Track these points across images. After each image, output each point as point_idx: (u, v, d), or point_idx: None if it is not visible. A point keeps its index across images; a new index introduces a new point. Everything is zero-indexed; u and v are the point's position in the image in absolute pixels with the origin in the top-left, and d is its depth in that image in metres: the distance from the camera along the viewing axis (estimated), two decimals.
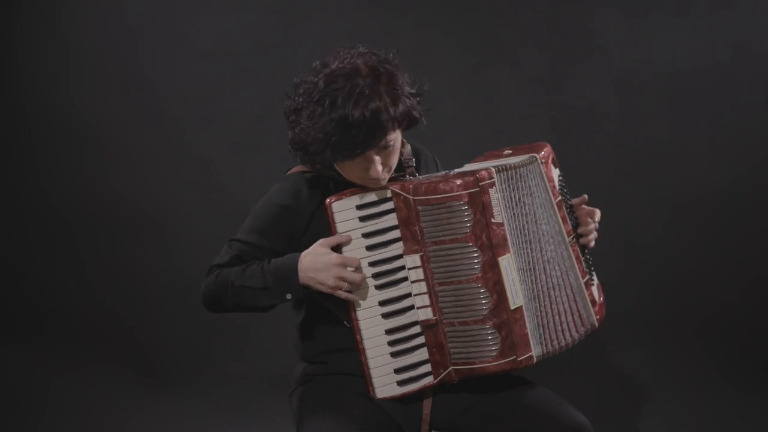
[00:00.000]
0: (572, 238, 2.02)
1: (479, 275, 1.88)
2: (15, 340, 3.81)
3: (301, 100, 1.88)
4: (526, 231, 1.95)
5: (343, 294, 1.89)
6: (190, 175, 3.86)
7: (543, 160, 1.98)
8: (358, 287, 1.90)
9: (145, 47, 3.86)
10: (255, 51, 3.82)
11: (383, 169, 1.89)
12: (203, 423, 3.39)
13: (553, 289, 1.98)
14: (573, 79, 3.80)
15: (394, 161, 1.93)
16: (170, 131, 3.87)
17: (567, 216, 2.02)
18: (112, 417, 3.42)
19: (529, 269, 1.95)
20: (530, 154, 1.99)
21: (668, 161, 3.77)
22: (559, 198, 2.01)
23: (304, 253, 1.90)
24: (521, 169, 1.95)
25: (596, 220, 2.10)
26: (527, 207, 1.96)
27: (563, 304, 2.00)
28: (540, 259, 1.97)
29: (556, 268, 1.99)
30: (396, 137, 1.89)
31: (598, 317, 2.07)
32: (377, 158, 1.87)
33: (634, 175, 3.79)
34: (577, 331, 2.02)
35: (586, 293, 2.04)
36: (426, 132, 1.99)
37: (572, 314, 2.01)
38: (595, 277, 2.11)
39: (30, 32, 3.88)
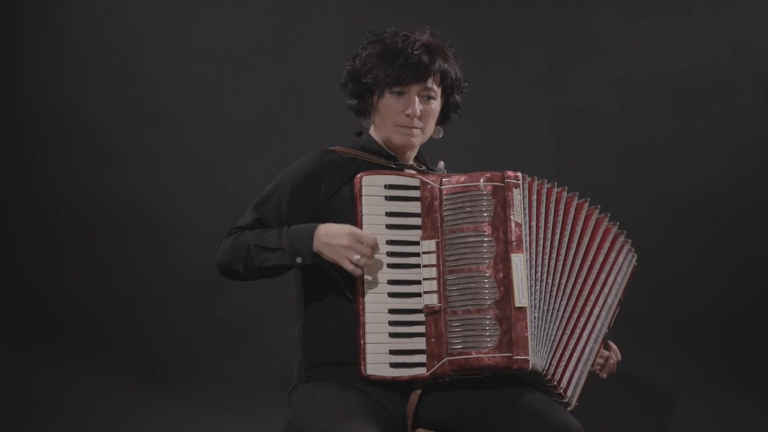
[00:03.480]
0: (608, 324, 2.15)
1: (490, 264, 1.91)
2: (15, 340, 3.81)
3: (365, 43, 2.11)
4: (555, 253, 2.01)
5: (349, 266, 1.91)
6: (190, 175, 3.86)
7: (634, 262, 2.19)
8: (366, 265, 1.92)
9: (145, 47, 3.86)
10: (255, 51, 3.82)
11: (418, 119, 2.04)
12: (203, 423, 3.39)
13: (573, 327, 2.03)
14: (573, 79, 3.80)
15: (430, 124, 2.08)
16: (170, 131, 3.87)
17: (616, 310, 2.16)
18: (112, 417, 3.42)
19: (545, 282, 1.98)
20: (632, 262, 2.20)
21: (668, 161, 3.78)
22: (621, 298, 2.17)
23: (323, 224, 1.95)
24: (562, 195, 2.04)
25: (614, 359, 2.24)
26: (607, 273, 2.11)
27: (576, 348, 2.04)
28: (566, 292, 2.02)
29: (596, 319, 2.09)
30: (436, 96, 2.07)
31: (576, 397, 2.08)
32: (417, 99, 2.03)
33: (634, 175, 3.79)
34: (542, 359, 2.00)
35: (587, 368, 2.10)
36: None
37: (548, 343, 2.00)
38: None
39: (30, 32, 3.88)
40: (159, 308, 3.84)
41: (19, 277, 3.91)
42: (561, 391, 2.02)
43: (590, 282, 2.09)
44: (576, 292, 2.05)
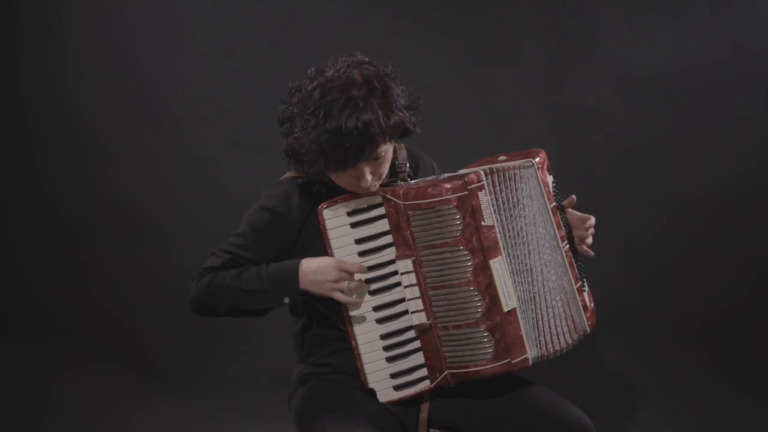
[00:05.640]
0: (565, 244, 2.02)
1: (471, 278, 1.88)
2: (15, 340, 3.81)
3: (295, 110, 1.88)
4: (524, 233, 1.95)
5: (341, 297, 1.90)
6: (190, 175, 3.86)
7: (539, 165, 1.99)
8: (354, 293, 1.91)
9: (145, 47, 3.86)
10: (255, 51, 3.82)
11: (373, 178, 1.91)
12: (203, 423, 3.39)
13: (549, 292, 1.98)
14: (573, 79, 3.80)
15: (385, 170, 1.94)
16: (170, 131, 3.87)
17: (561, 222, 2.03)
18: (112, 417, 3.42)
19: (525, 271, 1.95)
20: (526, 159, 2.00)
21: (668, 161, 3.77)
22: (554, 204, 2.02)
23: (305, 259, 1.92)
24: (516, 171, 1.95)
25: (589, 225, 2.10)
26: (526, 209, 1.96)
27: (558, 308, 1.99)
28: (537, 262, 1.97)
29: (552, 272, 1.99)
30: (387, 148, 1.90)
31: (589, 323, 2.06)
32: (367, 169, 1.88)
33: (634, 175, 3.79)
34: (570, 337, 2.01)
35: (579, 299, 2.03)
36: (425, 132, 2.00)
37: (566, 319, 2.00)
38: (586, 285, 2.11)
39: (30, 32, 3.88)
40: (159, 308, 3.84)
41: (20, 277, 3.91)
42: (577, 340, 2.01)
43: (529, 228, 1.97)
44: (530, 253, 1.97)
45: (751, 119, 3.74)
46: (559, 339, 1.98)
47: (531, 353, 1.92)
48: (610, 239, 3.68)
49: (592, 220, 2.11)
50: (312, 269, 1.90)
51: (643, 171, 3.79)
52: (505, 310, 1.89)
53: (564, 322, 1.99)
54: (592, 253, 2.14)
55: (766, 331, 3.66)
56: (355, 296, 1.92)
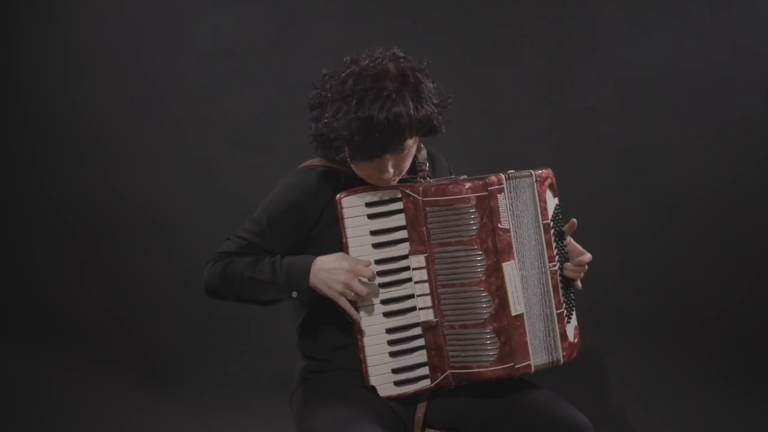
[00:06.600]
0: (553, 265, 1.99)
1: (482, 279, 1.88)
2: (15, 340, 3.81)
3: (329, 95, 1.90)
4: (528, 240, 1.96)
5: (344, 303, 1.90)
6: (190, 175, 3.87)
7: (538, 179, 1.98)
8: (364, 301, 1.91)
9: (145, 47, 3.86)
10: (255, 51, 3.82)
11: (394, 172, 1.91)
12: (203, 423, 3.39)
13: (533, 305, 1.96)
14: (573, 79, 3.80)
15: (407, 165, 1.95)
16: (170, 131, 3.87)
17: (553, 243, 2.00)
18: (112, 417, 3.42)
19: (529, 277, 1.95)
20: (529, 171, 2.00)
21: (668, 161, 3.78)
22: (548, 221, 2.00)
23: (319, 257, 1.92)
24: (516, 180, 1.96)
25: (579, 261, 2.07)
26: (525, 218, 1.96)
27: (538, 324, 1.96)
28: (528, 272, 1.97)
29: (535, 286, 1.97)
30: (413, 143, 1.91)
31: (565, 354, 2.00)
32: (391, 162, 1.89)
33: (634, 175, 3.79)
34: (541, 356, 1.97)
35: (557, 325, 1.98)
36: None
37: (541, 338, 1.97)
38: (573, 318, 2.06)
39: (30, 32, 3.88)
40: (159, 308, 3.84)
41: (20, 277, 3.91)
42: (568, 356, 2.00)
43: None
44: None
45: (751, 119, 3.75)
46: (537, 354, 1.96)
47: (534, 360, 1.92)
48: (610, 239, 3.69)
49: (588, 256, 2.08)
50: (324, 267, 1.90)
51: (643, 171, 3.79)
52: (513, 314, 1.89)
53: (541, 339, 1.97)
54: (580, 286, 2.10)
55: (766, 331, 3.66)
56: (360, 310, 1.92)
